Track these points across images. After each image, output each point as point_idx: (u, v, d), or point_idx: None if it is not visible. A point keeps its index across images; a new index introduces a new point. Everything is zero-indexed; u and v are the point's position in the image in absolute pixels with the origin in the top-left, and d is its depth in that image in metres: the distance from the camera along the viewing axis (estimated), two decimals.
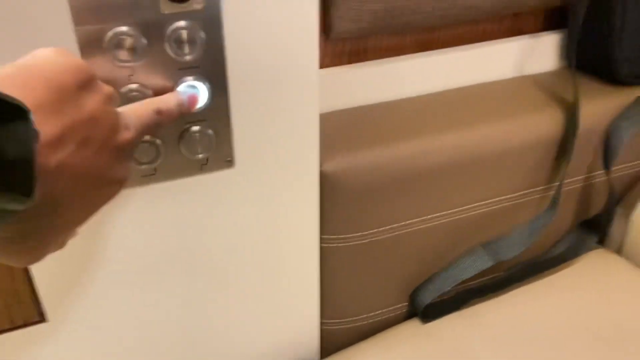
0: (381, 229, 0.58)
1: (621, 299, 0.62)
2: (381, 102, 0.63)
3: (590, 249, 0.69)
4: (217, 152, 0.44)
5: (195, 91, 0.40)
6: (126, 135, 0.28)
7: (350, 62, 0.63)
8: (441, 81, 0.66)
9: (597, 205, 0.70)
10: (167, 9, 0.37)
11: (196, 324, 0.54)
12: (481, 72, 0.67)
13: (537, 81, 0.68)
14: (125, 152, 0.29)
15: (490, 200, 0.62)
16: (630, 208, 0.69)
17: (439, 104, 0.63)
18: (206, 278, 0.52)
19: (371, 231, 0.58)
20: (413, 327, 0.63)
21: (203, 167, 0.44)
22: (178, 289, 0.51)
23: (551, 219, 0.62)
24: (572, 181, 0.66)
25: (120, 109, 0.30)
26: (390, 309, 0.65)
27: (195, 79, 0.40)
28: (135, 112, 0.31)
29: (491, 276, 0.67)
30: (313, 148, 0.50)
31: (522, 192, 0.64)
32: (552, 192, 0.64)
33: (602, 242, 0.72)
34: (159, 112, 0.33)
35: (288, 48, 0.44)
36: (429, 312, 0.63)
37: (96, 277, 0.47)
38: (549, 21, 0.69)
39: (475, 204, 0.62)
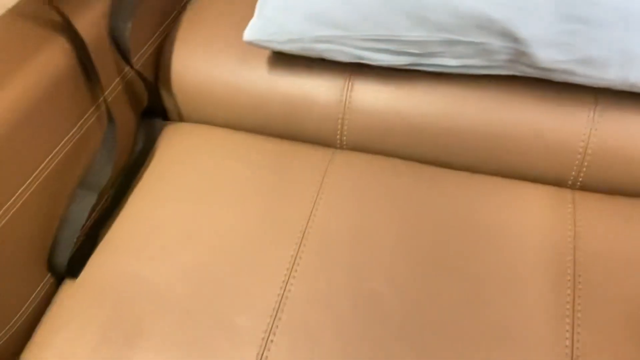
0: None
1: (202, 150, 0.75)
2: None
3: (162, 129, 0.79)
4: None
5: None
6: None
7: None
8: None
9: (145, 93, 0.78)
10: None
11: None
12: None
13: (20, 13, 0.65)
14: None
15: (55, 151, 0.63)
16: (167, 80, 0.79)
17: None
18: None
19: None
20: (67, 291, 0.64)
21: None
22: None
23: (114, 129, 0.67)
24: (114, 86, 0.71)
25: None
26: (38, 291, 0.63)
27: None
28: None
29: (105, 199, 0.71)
30: None
31: (79, 124, 0.66)
32: (103, 108, 0.68)
33: (169, 118, 0.83)
34: None
35: None
36: (73, 268, 0.65)
37: None
38: None
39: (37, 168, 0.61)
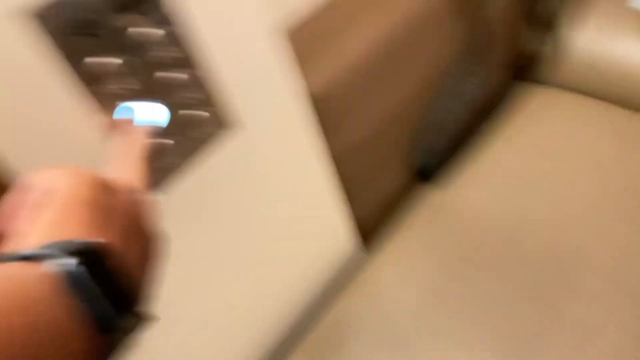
0: (372, 122, 0.62)
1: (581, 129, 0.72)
2: None
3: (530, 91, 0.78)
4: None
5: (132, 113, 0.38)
6: (142, 205, 0.29)
7: None
8: None
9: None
10: None
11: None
12: None
13: None
14: (147, 214, 0.29)
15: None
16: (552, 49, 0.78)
17: None
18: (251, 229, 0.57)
19: (368, 127, 0.62)
20: (427, 196, 0.71)
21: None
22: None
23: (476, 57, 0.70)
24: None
25: (122, 181, 0.29)
26: (401, 190, 0.72)
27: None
28: (134, 177, 0.31)
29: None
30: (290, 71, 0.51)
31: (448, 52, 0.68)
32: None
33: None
34: (145, 159, 0.33)
35: None
36: (427, 172, 0.72)
37: None
38: None
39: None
